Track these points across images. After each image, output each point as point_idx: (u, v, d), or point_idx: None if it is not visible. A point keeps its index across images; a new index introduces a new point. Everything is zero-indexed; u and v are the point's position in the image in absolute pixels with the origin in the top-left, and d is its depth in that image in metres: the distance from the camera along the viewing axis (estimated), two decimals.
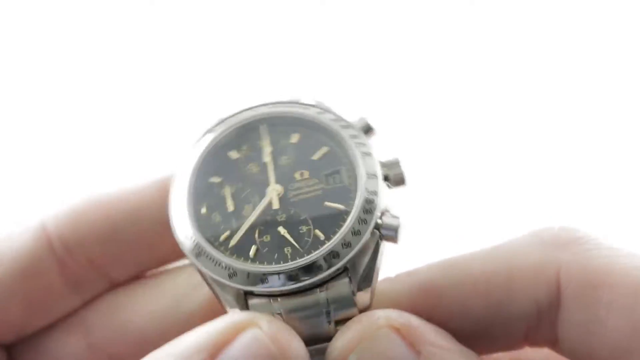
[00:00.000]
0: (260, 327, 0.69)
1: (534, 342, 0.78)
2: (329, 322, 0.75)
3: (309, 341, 0.73)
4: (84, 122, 1.64)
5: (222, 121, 0.81)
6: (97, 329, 0.87)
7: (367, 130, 0.79)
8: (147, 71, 1.67)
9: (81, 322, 0.89)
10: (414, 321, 0.70)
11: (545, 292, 0.73)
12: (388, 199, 0.78)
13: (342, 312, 0.74)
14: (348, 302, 0.74)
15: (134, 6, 1.71)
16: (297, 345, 0.70)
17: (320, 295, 0.74)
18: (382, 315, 0.70)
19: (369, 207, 0.75)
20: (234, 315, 0.71)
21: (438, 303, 0.76)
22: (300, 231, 0.76)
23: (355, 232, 0.74)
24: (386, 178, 0.77)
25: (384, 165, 0.78)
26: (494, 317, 0.75)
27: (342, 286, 0.74)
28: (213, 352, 0.67)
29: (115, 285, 0.89)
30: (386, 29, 1.66)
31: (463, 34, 1.65)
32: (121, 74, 1.67)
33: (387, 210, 0.76)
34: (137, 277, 0.90)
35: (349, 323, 0.71)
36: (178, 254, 0.86)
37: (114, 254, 0.86)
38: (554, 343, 0.76)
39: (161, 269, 0.90)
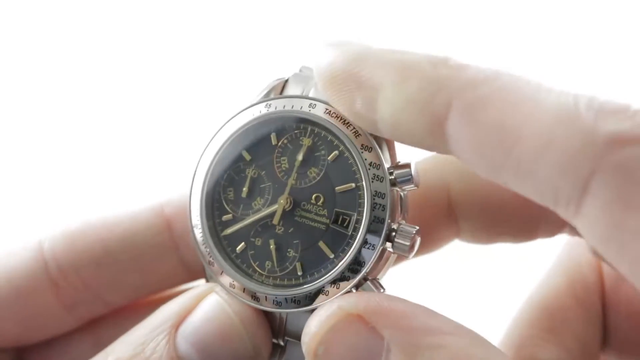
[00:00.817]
0: (218, 293, 0.76)
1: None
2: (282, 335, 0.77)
3: None
4: (82, 122, 1.64)
5: (283, 97, 0.78)
6: (107, 340, 0.88)
7: (406, 179, 0.75)
8: (147, 71, 1.68)
9: (91, 331, 0.91)
10: (374, 304, 0.69)
11: None
12: (386, 267, 0.77)
13: (292, 336, 0.77)
14: (300, 337, 0.75)
15: (134, 6, 1.71)
16: (249, 309, 0.76)
17: (278, 315, 0.77)
18: (341, 304, 0.70)
19: (356, 268, 0.74)
20: (197, 288, 0.77)
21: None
22: (288, 254, 0.77)
23: (334, 284, 0.74)
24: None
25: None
26: None
27: (300, 319, 0.75)
28: (178, 320, 0.74)
29: (112, 309, 0.91)
30: (386, 29, 1.66)
31: (463, 34, 1.65)
32: (121, 74, 1.67)
33: (374, 279, 0.75)
34: (135, 302, 0.91)
35: (314, 314, 0.71)
36: (174, 280, 0.89)
37: (108, 278, 0.87)
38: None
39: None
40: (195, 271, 0.88)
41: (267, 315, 0.77)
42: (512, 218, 0.83)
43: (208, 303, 0.75)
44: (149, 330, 0.73)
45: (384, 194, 0.74)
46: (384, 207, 0.74)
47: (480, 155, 0.61)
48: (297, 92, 0.79)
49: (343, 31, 1.62)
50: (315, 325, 0.70)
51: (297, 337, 0.76)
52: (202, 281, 0.82)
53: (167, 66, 1.68)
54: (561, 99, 0.60)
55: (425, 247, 0.84)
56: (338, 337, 0.68)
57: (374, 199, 0.74)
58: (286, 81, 0.80)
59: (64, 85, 1.67)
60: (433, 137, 0.64)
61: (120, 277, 0.87)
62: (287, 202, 0.76)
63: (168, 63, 1.68)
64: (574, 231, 0.82)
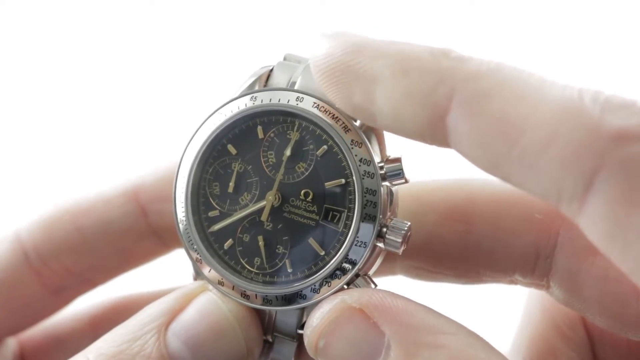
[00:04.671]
0: (211, 291, 0.75)
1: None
2: (270, 333, 0.77)
3: None
4: (82, 122, 1.64)
5: (268, 89, 0.77)
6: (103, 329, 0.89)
7: (396, 174, 0.74)
8: (146, 71, 1.67)
9: (92, 330, 0.93)
10: (377, 300, 0.68)
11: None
12: (376, 265, 0.76)
13: (281, 333, 0.76)
14: (290, 334, 0.76)
15: (134, 6, 1.70)
16: (244, 308, 0.75)
17: (268, 311, 0.76)
18: (344, 297, 0.69)
19: (347, 265, 0.74)
20: (188, 286, 0.76)
21: (467, 217, 0.79)
22: (277, 250, 0.76)
23: (326, 282, 0.74)
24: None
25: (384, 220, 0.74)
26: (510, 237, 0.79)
27: (290, 315, 0.75)
28: (169, 318, 0.73)
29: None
30: (386, 29, 1.66)
31: (463, 34, 1.65)
32: (121, 74, 1.67)
33: (366, 275, 0.75)
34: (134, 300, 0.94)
35: (316, 308, 0.71)
36: (154, 255, 0.91)
37: (88, 262, 0.89)
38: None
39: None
40: (172, 243, 0.90)
41: (257, 312, 0.76)
42: (453, 263, 0.82)
43: (202, 301, 0.74)
44: (136, 327, 0.73)
45: (375, 190, 0.73)
46: (375, 204, 0.73)
47: (482, 148, 0.61)
48: (283, 81, 0.77)
49: (327, 21, 1.62)
50: (318, 318, 0.70)
51: (286, 334, 0.76)
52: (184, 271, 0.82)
53: (149, 55, 1.68)
54: (566, 93, 0.59)
55: None
56: (339, 331, 0.68)
57: (365, 196, 0.73)
58: (271, 70, 0.78)
59: (31, 73, 1.67)
60: (434, 129, 0.63)
61: (100, 261, 0.88)
62: (275, 198, 0.76)
63: (150, 51, 1.68)
64: (524, 281, 0.82)
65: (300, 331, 0.75)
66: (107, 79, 1.66)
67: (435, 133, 0.63)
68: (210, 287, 0.76)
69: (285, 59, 0.79)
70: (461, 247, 0.80)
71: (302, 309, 0.75)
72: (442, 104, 0.62)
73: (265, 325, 0.76)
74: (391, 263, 0.83)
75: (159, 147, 1.52)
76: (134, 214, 0.88)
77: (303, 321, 0.75)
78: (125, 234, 0.88)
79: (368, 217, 0.73)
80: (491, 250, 0.80)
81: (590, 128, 0.57)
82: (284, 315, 0.76)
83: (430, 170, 0.85)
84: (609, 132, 0.56)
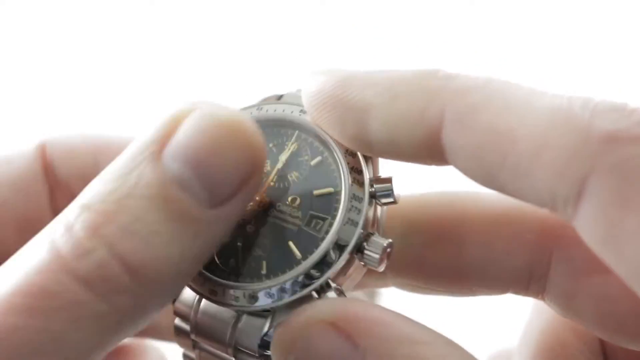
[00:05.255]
0: (202, 108, 0.65)
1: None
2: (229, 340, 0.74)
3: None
4: (82, 122, 1.64)
5: (278, 99, 0.78)
6: None
7: (386, 193, 0.73)
8: (146, 71, 1.68)
9: None
10: (350, 311, 0.66)
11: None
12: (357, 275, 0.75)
13: (241, 344, 0.74)
14: (252, 342, 0.73)
15: (134, 6, 1.71)
16: (243, 116, 0.67)
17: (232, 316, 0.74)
18: (314, 310, 0.67)
19: (321, 269, 0.72)
20: (172, 109, 0.66)
21: (455, 230, 0.78)
22: (254, 253, 0.75)
23: (297, 283, 0.72)
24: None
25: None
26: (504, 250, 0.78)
27: (255, 324, 0.73)
28: (161, 145, 0.63)
29: None
30: (386, 29, 1.66)
31: (463, 34, 1.66)
32: (121, 74, 1.68)
33: (339, 288, 0.73)
34: None
35: (283, 323, 0.68)
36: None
37: None
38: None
39: None
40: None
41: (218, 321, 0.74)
42: (445, 282, 0.81)
43: (193, 118, 0.65)
44: (127, 161, 0.64)
45: (362, 198, 0.73)
46: (359, 211, 0.72)
47: (477, 161, 0.61)
48: None
49: (327, 20, 1.63)
50: (286, 332, 0.67)
51: (247, 347, 0.74)
52: None
53: (158, 57, 1.68)
54: (555, 101, 0.60)
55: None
56: (310, 346, 0.66)
57: (351, 201, 0.72)
58: (280, 97, 0.79)
59: (35, 74, 1.67)
60: (430, 150, 0.64)
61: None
62: (261, 202, 0.75)
63: (157, 53, 1.68)
64: (520, 294, 0.81)
65: (266, 352, 0.72)
66: (114, 80, 1.66)
67: (432, 153, 0.64)
68: (200, 105, 0.67)
69: (297, 91, 0.78)
70: (452, 267, 0.80)
71: (266, 319, 0.73)
72: (434, 123, 0.62)
73: (227, 339, 0.74)
74: (382, 277, 0.83)
75: None
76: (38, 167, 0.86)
77: (266, 331, 0.73)
78: (27, 192, 0.86)
79: (350, 222, 0.72)
80: (483, 270, 0.79)
81: (579, 133, 0.57)
82: (246, 328, 0.73)
83: (424, 185, 0.85)
84: (598, 135, 0.57)
